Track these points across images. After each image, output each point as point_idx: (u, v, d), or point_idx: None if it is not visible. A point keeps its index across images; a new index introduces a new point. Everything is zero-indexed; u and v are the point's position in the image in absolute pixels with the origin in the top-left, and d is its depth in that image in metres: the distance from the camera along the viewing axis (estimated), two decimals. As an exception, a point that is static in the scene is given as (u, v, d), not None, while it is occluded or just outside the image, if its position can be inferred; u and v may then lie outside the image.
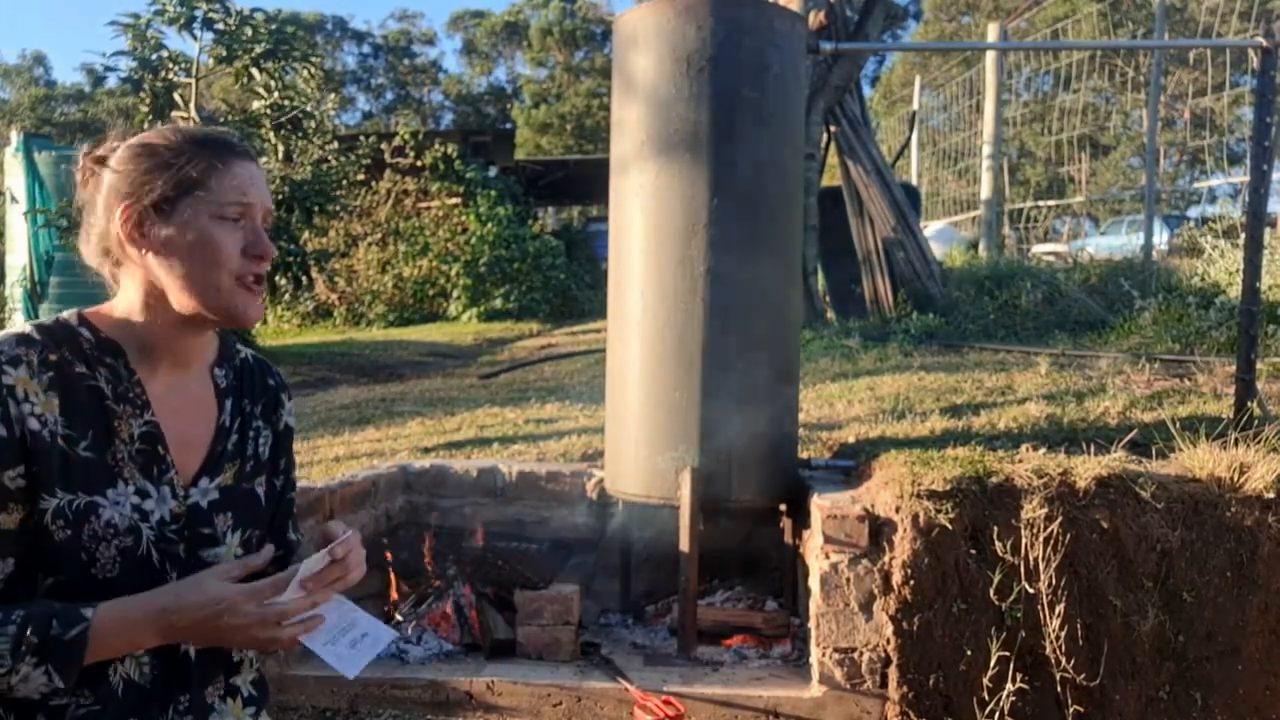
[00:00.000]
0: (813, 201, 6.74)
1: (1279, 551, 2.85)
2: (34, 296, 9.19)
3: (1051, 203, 13.65)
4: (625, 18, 3.42)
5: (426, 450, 4.20)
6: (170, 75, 7.90)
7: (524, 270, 13.12)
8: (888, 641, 2.83)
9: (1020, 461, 2.97)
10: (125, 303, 1.27)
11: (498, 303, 12.90)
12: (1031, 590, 2.77)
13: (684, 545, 3.19)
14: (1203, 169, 10.28)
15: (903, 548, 2.81)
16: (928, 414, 3.92)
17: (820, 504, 2.96)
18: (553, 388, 5.82)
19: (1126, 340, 5.49)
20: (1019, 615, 2.78)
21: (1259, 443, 3.00)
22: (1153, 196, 8.39)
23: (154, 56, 7.83)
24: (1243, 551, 2.84)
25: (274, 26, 7.90)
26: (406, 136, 14.60)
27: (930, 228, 11.87)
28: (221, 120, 8.69)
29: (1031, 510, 2.79)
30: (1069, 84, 10.52)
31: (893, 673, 2.83)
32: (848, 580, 2.86)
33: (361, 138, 14.07)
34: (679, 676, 3.09)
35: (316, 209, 8.96)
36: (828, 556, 2.87)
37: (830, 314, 7.46)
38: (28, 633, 1.07)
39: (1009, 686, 2.73)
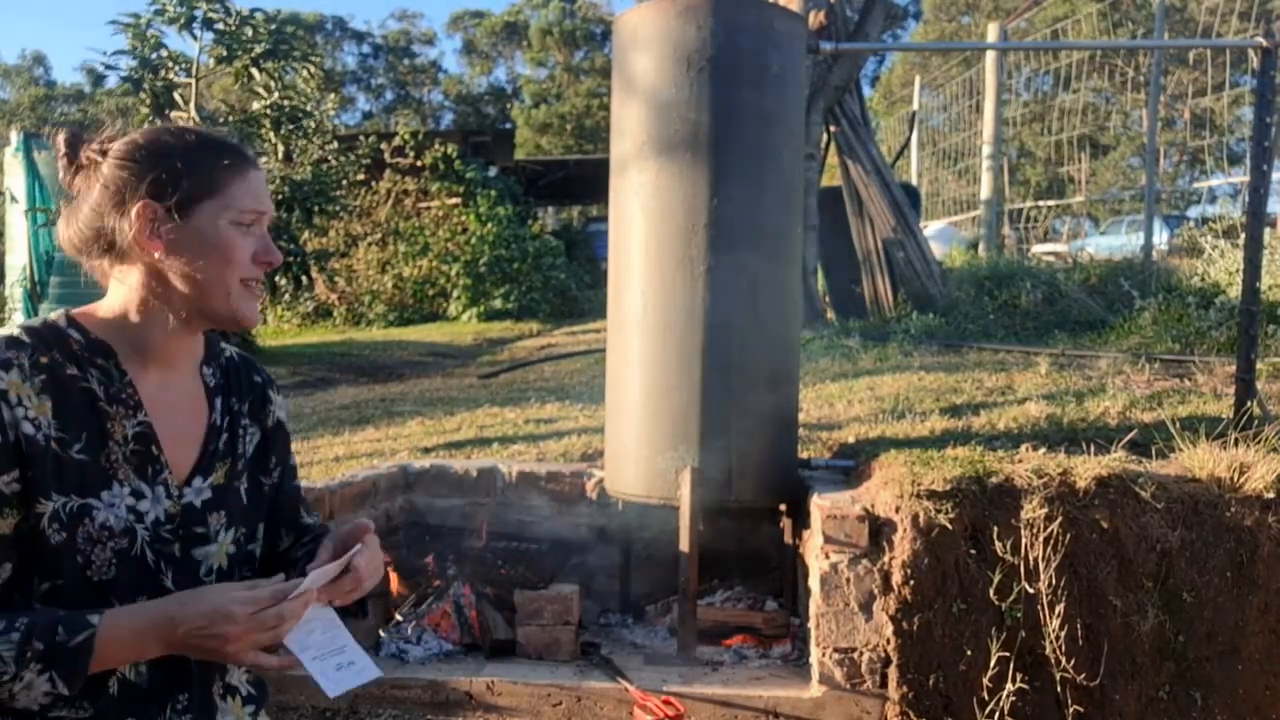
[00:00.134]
0: (813, 201, 6.74)
1: (1279, 551, 2.85)
2: (34, 296, 9.19)
3: (1051, 203, 13.65)
4: (625, 18, 3.42)
5: (426, 450, 4.20)
6: (170, 75, 7.90)
7: (524, 270, 13.12)
8: (888, 641, 2.83)
9: (1020, 461, 2.97)
10: (119, 301, 1.26)
11: (498, 303, 12.90)
12: (1031, 590, 2.77)
13: (684, 545, 3.19)
14: (1203, 169, 10.29)
15: (903, 548, 2.81)
16: (928, 414, 3.92)
17: (820, 504, 2.96)
18: (553, 388, 5.82)
19: (1126, 340, 5.49)
20: (1019, 615, 2.78)
21: (1259, 443, 3.00)
22: (1153, 196, 8.39)
23: (154, 56, 7.83)
24: (1243, 551, 2.84)
25: (274, 26, 7.91)
26: (406, 136, 14.61)
27: (930, 228, 11.87)
28: (221, 120, 8.70)
29: (1031, 510, 2.79)
30: (1069, 84, 10.52)
31: (893, 673, 2.83)
32: (848, 580, 2.86)
33: (361, 138, 14.09)
34: (679, 676, 3.09)
35: (316, 209, 8.96)
36: (828, 556, 2.87)
37: (830, 314, 7.46)
38: (33, 639, 1.06)
39: (1009, 686, 2.73)
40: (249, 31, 7.77)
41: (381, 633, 3.35)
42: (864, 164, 7.00)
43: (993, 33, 10.33)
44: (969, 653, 2.79)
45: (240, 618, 1.10)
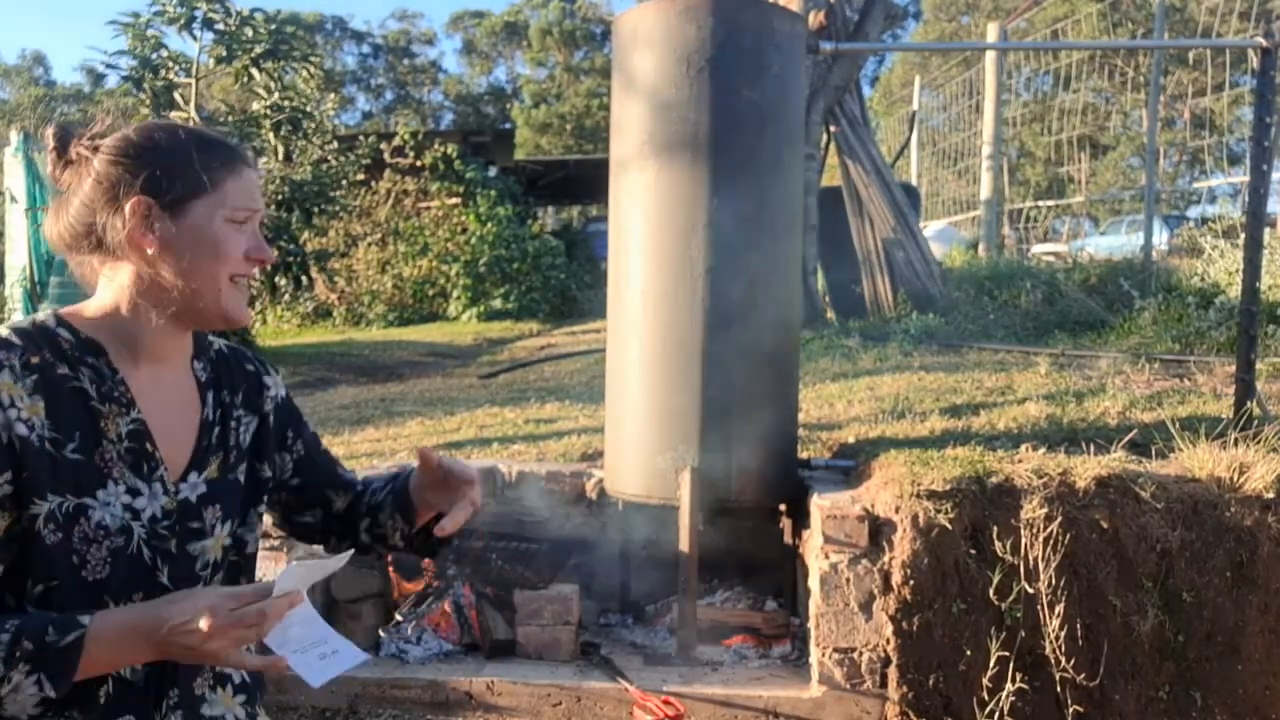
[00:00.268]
0: (813, 201, 6.74)
1: (1279, 551, 2.85)
2: (34, 296, 9.18)
3: (1051, 203, 13.65)
4: (625, 18, 3.42)
5: (426, 450, 4.19)
6: (170, 75, 7.91)
7: (524, 270, 13.13)
8: (887, 641, 2.83)
9: (1020, 461, 2.97)
10: (109, 299, 1.25)
11: (497, 303, 12.90)
12: (1031, 590, 2.77)
13: (684, 545, 3.19)
14: (1202, 169, 10.29)
15: (902, 548, 2.81)
16: (927, 414, 3.92)
17: (820, 504, 2.96)
18: (553, 388, 5.83)
19: (1126, 340, 5.49)
20: (1019, 615, 2.79)
21: (1259, 443, 3.01)
22: (1153, 196, 8.39)
23: (154, 56, 7.83)
24: (1242, 551, 2.85)
25: (274, 27, 7.91)
26: (406, 136, 14.61)
27: (930, 228, 11.87)
28: (221, 121, 8.70)
29: (1031, 510, 2.79)
30: (1069, 84, 10.52)
31: (892, 673, 2.83)
32: (847, 580, 2.86)
33: (361, 138, 14.09)
34: (679, 676, 3.09)
35: (316, 209, 8.96)
36: (827, 556, 2.87)
37: (830, 314, 7.46)
38: (22, 639, 1.05)
39: (1009, 686, 2.73)
40: (249, 32, 7.77)
41: (381, 633, 3.35)
42: (864, 164, 7.00)
43: (993, 33, 10.33)
44: (969, 653, 2.79)
45: (220, 611, 1.07)
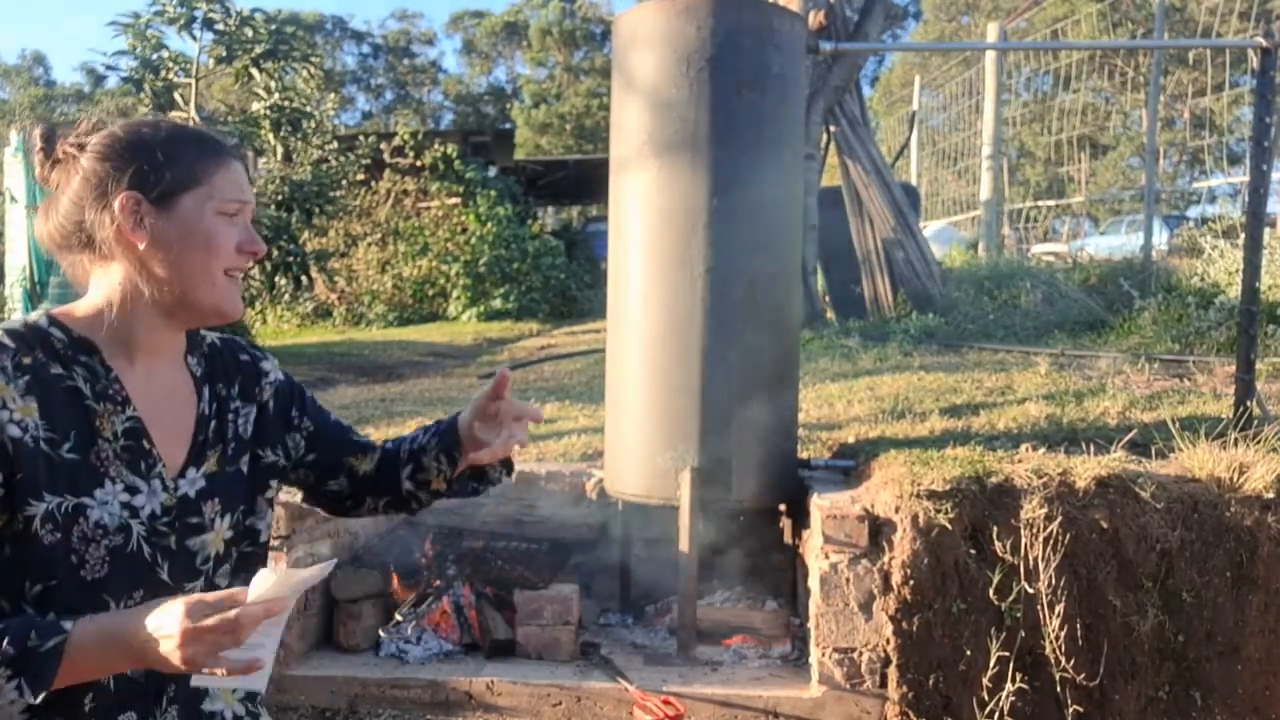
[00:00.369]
0: (813, 201, 6.74)
1: (1279, 551, 2.85)
2: (33, 296, 9.18)
3: (1051, 203, 13.66)
4: (625, 18, 3.42)
5: (426, 450, 4.19)
6: (170, 75, 7.91)
7: (524, 270, 13.12)
8: (887, 641, 2.83)
9: (1020, 461, 2.97)
10: (100, 297, 1.25)
11: (497, 303, 12.90)
12: (1031, 590, 2.77)
13: (684, 545, 3.19)
14: (1202, 169, 10.29)
15: (902, 548, 2.81)
16: (927, 414, 3.92)
17: (820, 504, 2.96)
18: (553, 388, 5.83)
19: (1126, 340, 5.50)
20: (1019, 615, 2.79)
21: (1258, 443, 3.01)
22: (1152, 196, 8.39)
23: (154, 56, 7.83)
24: (1242, 551, 2.85)
25: (274, 27, 7.91)
26: (406, 136, 14.60)
27: (930, 228, 11.87)
28: (221, 121, 8.70)
29: (1031, 510, 2.79)
30: (1069, 84, 10.52)
31: (892, 673, 2.83)
32: (847, 580, 2.86)
33: (361, 138, 14.09)
34: (679, 676, 3.09)
35: (316, 209, 8.95)
36: (827, 556, 2.87)
37: (830, 314, 7.46)
38: (3, 644, 1.04)
39: (1009, 686, 2.73)
40: (249, 32, 7.77)
41: (381, 633, 3.35)
42: (864, 164, 7.01)
43: (992, 33, 10.33)
44: (969, 653, 2.79)
45: (195, 618, 1.03)
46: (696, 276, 3.19)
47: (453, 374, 7.36)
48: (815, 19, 6.56)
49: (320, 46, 37.31)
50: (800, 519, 3.32)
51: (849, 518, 2.89)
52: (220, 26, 7.76)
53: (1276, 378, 4.40)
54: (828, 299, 7.83)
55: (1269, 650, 2.88)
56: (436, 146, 14.54)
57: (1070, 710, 2.78)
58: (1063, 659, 2.76)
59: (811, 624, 2.94)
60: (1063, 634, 2.75)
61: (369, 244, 14.31)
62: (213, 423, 1.33)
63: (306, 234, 10.81)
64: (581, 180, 18.18)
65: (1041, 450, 3.06)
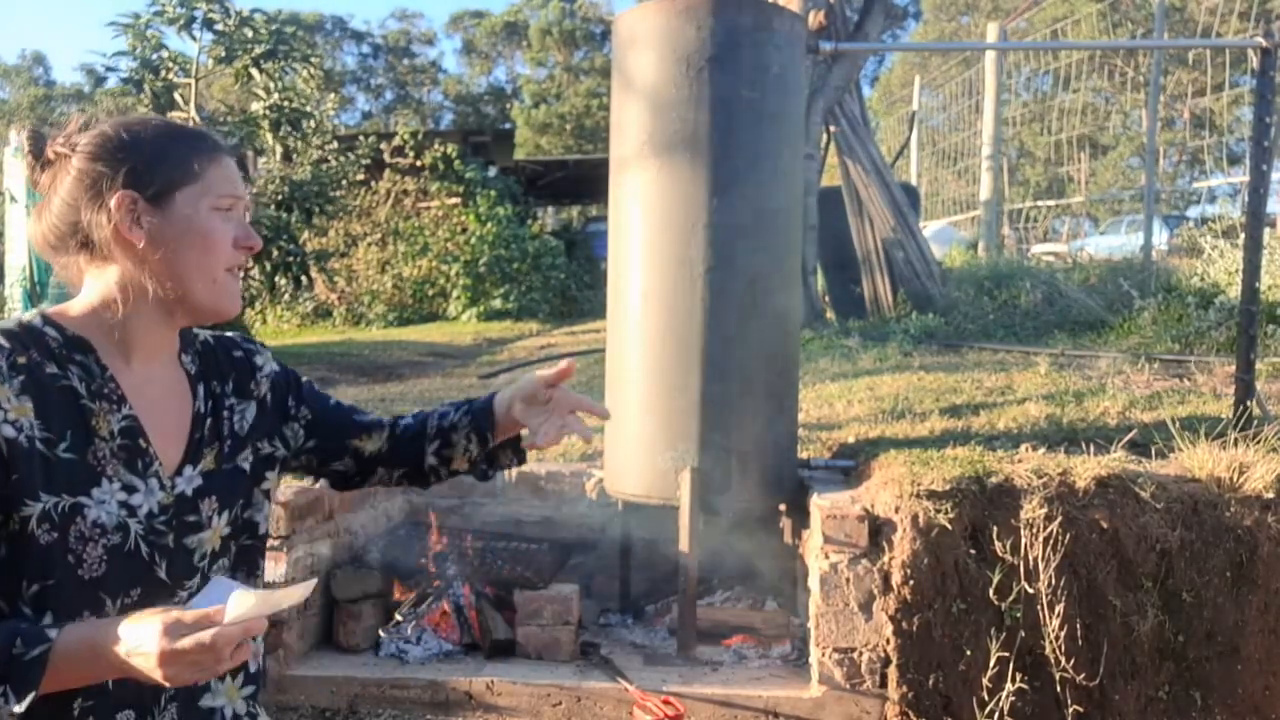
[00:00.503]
0: (813, 201, 6.73)
1: (1278, 551, 2.85)
2: (33, 296, 9.19)
3: (1051, 203, 13.65)
4: (625, 18, 3.42)
5: (426, 450, 4.19)
6: (170, 75, 7.91)
7: (523, 270, 13.12)
8: (887, 641, 2.83)
9: (1020, 461, 2.97)
10: (96, 296, 1.24)
11: (497, 303, 12.89)
12: (1031, 590, 2.77)
13: (684, 545, 3.19)
14: (1202, 169, 10.29)
15: (902, 548, 2.81)
16: (927, 414, 3.92)
17: (820, 504, 2.96)
18: (552, 388, 5.81)
19: (1126, 340, 5.50)
20: (1019, 615, 2.79)
21: (1258, 443, 3.01)
22: (1152, 196, 8.39)
23: (154, 57, 7.83)
24: (1242, 551, 2.85)
25: (274, 27, 7.91)
26: (406, 136, 14.59)
27: (930, 228, 11.87)
28: (221, 121, 8.70)
29: (1031, 510, 2.79)
30: (1069, 84, 10.52)
31: (892, 673, 2.83)
32: (847, 580, 2.86)
33: (361, 138, 14.08)
34: (678, 676, 3.09)
35: (316, 209, 8.95)
36: (827, 556, 2.87)
37: (830, 314, 7.46)
38: None
39: (1009, 686, 2.73)
40: (249, 32, 7.77)
41: (381, 633, 3.35)
42: (864, 164, 7.00)
43: (992, 33, 10.34)
44: (969, 653, 2.79)
45: (171, 635, 1.00)
46: (696, 276, 3.19)
47: (453, 374, 7.36)
48: (815, 19, 6.56)
49: (320, 46, 37.29)
50: (800, 519, 3.32)
51: (849, 518, 2.89)
52: (220, 27, 7.77)
53: (1276, 378, 4.40)
54: (828, 299, 7.83)
55: (1269, 650, 2.88)
56: (436, 146, 14.53)
57: (1070, 710, 2.78)
58: (1063, 659, 2.76)
59: (811, 624, 2.94)
60: (1063, 634, 2.75)
61: (369, 244, 14.30)
62: (208, 420, 1.32)
63: (306, 234, 10.81)
64: (581, 180, 18.17)
65: (1041, 450, 3.06)
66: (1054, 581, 2.76)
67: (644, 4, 3.34)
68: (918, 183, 12.73)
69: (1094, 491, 2.85)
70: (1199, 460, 2.97)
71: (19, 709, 1.04)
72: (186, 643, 0.99)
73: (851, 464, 3.46)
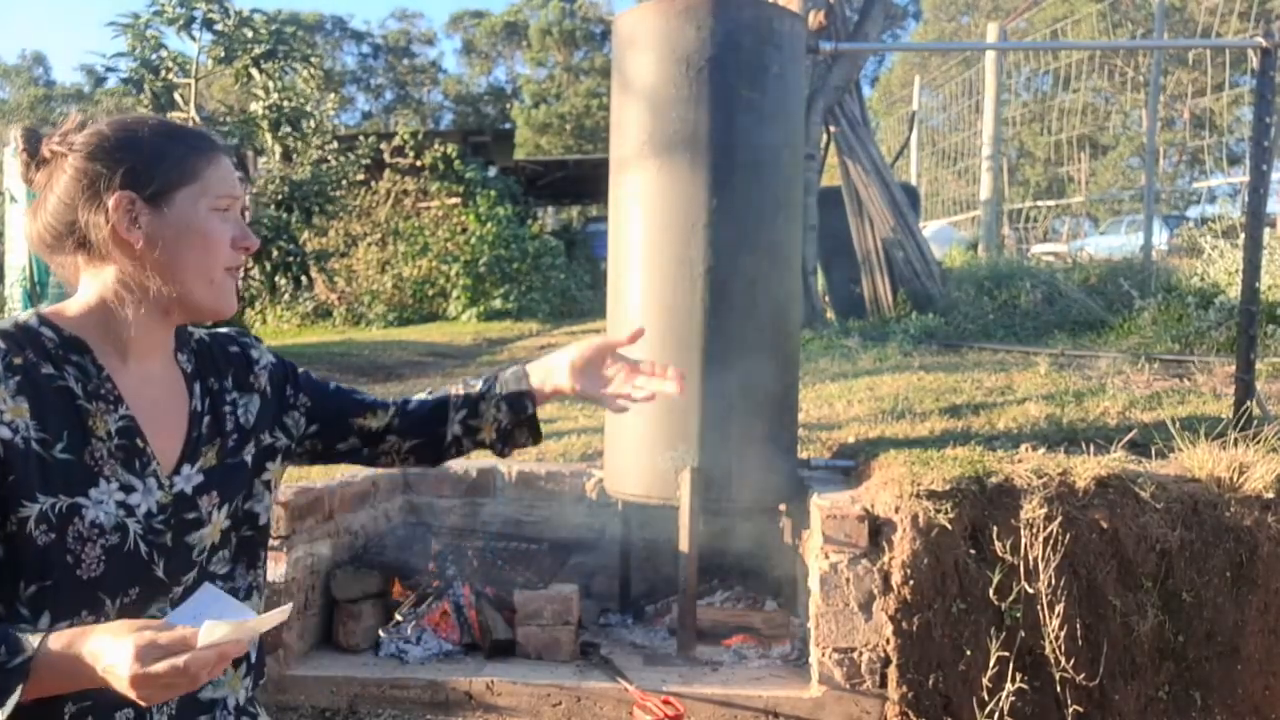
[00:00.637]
0: (813, 201, 6.73)
1: (1278, 551, 2.85)
2: (33, 296, 9.18)
3: (1051, 203, 13.65)
4: (624, 18, 3.42)
5: (426, 450, 4.19)
6: (169, 76, 7.91)
7: (523, 270, 13.12)
8: (887, 641, 2.83)
9: (1020, 461, 2.97)
10: (93, 296, 1.24)
11: (497, 303, 12.89)
12: (1031, 590, 2.77)
13: (684, 545, 3.19)
14: (1202, 169, 10.29)
15: (902, 548, 2.81)
16: (927, 414, 3.92)
17: (820, 504, 2.96)
18: (552, 388, 5.82)
19: (1126, 340, 5.50)
20: (1018, 615, 2.79)
21: (1258, 443, 3.01)
22: (1152, 196, 8.39)
23: (154, 57, 7.83)
24: (1242, 551, 2.85)
25: (274, 27, 7.91)
26: (406, 136, 14.60)
27: (929, 228, 11.87)
28: (221, 121, 8.70)
29: (1031, 510, 2.79)
30: (1068, 84, 10.52)
31: (892, 673, 2.83)
32: (847, 580, 2.86)
33: (361, 138, 14.08)
34: (678, 676, 3.09)
35: (316, 209, 8.95)
36: (827, 556, 2.87)
37: (830, 314, 7.46)
38: None
39: (1009, 686, 2.73)
40: (248, 32, 7.77)
41: (381, 633, 3.35)
42: (864, 164, 7.00)
43: (992, 33, 10.33)
44: (969, 653, 2.79)
45: (144, 659, 0.98)
46: (696, 276, 3.19)
47: (453, 374, 7.35)
48: (815, 19, 6.56)
49: (320, 46, 37.27)
50: (800, 519, 3.32)
51: (849, 518, 2.89)
52: (219, 27, 7.77)
53: (1276, 378, 4.40)
54: (828, 299, 7.83)
55: (1269, 650, 2.88)
56: (436, 146, 14.53)
57: (1070, 710, 2.78)
58: (1063, 659, 2.76)
59: (811, 624, 2.94)
60: (1063, 634, 2.75)
61: (369, 244, 14.30)
62: (206, 418, 1.32)
63: (306, 234, 10.81)
64: (581, 180, 18.17)
65: (1041, 450, 3.06)
66: (1054, 581, 2.76)
67: (644, 4, 3.34)
68: (918, 183, 12.72)
69: (1094, 491, 2.85)
70: (1199, 460, 2.97)
71: (1, 716, 1.03)
72: (160, 667, 0.97)
73: (851, 464, 3.46)
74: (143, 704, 1.01)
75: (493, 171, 15.14)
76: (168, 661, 0.97)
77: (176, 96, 7.89)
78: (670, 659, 3.24)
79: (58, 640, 1.03)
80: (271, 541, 3.16)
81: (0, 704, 1.02)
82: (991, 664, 2.74)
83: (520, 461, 3.89)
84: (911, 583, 2.79)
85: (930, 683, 2.80)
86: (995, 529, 2.80)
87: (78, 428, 1.18)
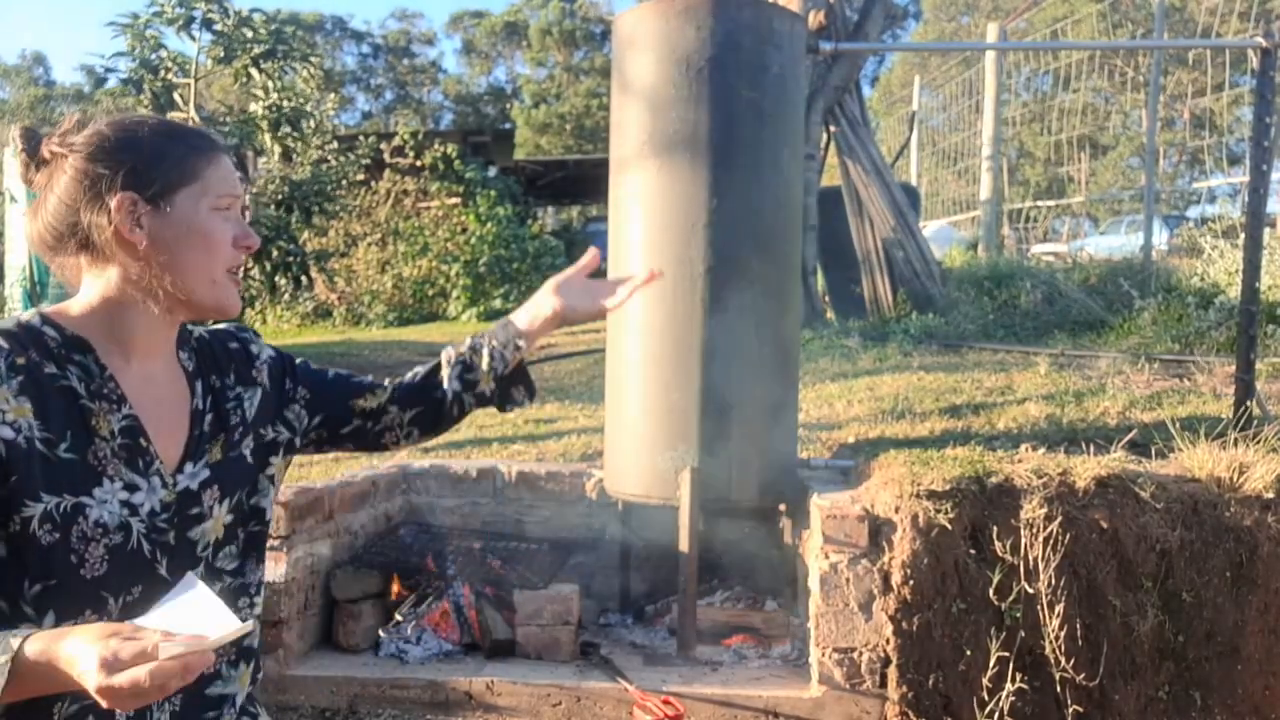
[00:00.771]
0: (813, 201, 6.74)
1: (1278, 551, 2.85)
2: (33, 296, 9.18)
3: (1051, 203, 13.65)
4: (624, 18, 3.42)
5: (426, 450, 4.20)
6: (169, 76, 7.90)
7: (524, 270, 13.12)
8: (887, 641, 2.83)
9: (1020, 461, 2.97)
10: (95, 296, 1.24)
11: (497, 303, 12.88)
12: (1031, 590, 2.77)
13: (683, 545, 3.19)
14: (1202, 169, 10.29)
15: (902, 548, 2.81)
16: (927, 414, 3.92)
17: (820, 504, 2.96)
18: (553, 388, 5.82)
19: (1126, 340, 5.50)
20: (1018, 615, 2.78)
21: (1258, 443, 3.01)
22: (1152, 196, 8.39)
23: (153, 57, 7.83)
24: (1242, 551, 2.85)
25: (273, 27, 7.91)
26: (406, 136, 14.60)
27: (929, 228, 11.87)
28: (220, 121, 8.69)
29: (1031, 510, 2.79)
30: (1068, 84, 10.52)
31: (892, 673, 2.83)
32: (847, 580, 2.86)
33: (361, 138, 14.09)
34: (678, 676, 3.09)
35: (316, 209, 8.95)
36: (827, 556, 2.87)
37: (830, 314, 7.46)
38: None
39: (1008, 686, 2.73)
40: (248, 32, 7.77)
41: (381, 633, 3.35)
42: (864, 164, 7.00)
43: (992, 33, 10.33)
44: (969, 653, 2.79)
45: (110, 669, 0.96)
46: (696, 276, 3.19)
47: (452, 374, 7.34)
48: (815, 19, 6.56)
49: (320, 46, 37.26)
50: (800, 519, 3.32)
51: (849, 518, 2.89)
52: (219, 27, 7.76)
53: (1276, 378, 4.40)
54: (828, 299, 7.83)
55: (1269, 650, 2.88)
56: (436, 146, 14.54)
57: (1070, 710, 2.78)
58: (1063, 659, 2.76)
59: (811, 624, 2.94)
60: (1063, 634, 2.75)
61: (369, 244, 14.30)
62: (208, 416, 1.33)
63: (306, 234, 10.80)
64: (581, 180, 18.18)
65: (1041, 450, 3.06)
66: (1054, 581, 2.76)
67: (643, 4, 3.34)
68: (918, 183, 12.72)
69: (1094, 491, 2.85)
70: (1199, 460, 2.97)
71: None
72: (121, 681, 0.95)
73: (851, 464, 3.46)
74: (117, 709, 1.00)
75: (493, 171, 15.14)
76: (129, 675, 0.95)
77: (176, 97, 7.89)
78: (670, 659, 3.24)
79: (35, 644, 1.01)
80: (271, 541, 3.17)
81: None
82: (991, 664, 2.74)
83: (520, 461, 3.90)
84: (911, 583, 2.79)
85: (930, 683, 2.80)
86: (995, 529, 2.80)
87: (81, 427, 1.18)
